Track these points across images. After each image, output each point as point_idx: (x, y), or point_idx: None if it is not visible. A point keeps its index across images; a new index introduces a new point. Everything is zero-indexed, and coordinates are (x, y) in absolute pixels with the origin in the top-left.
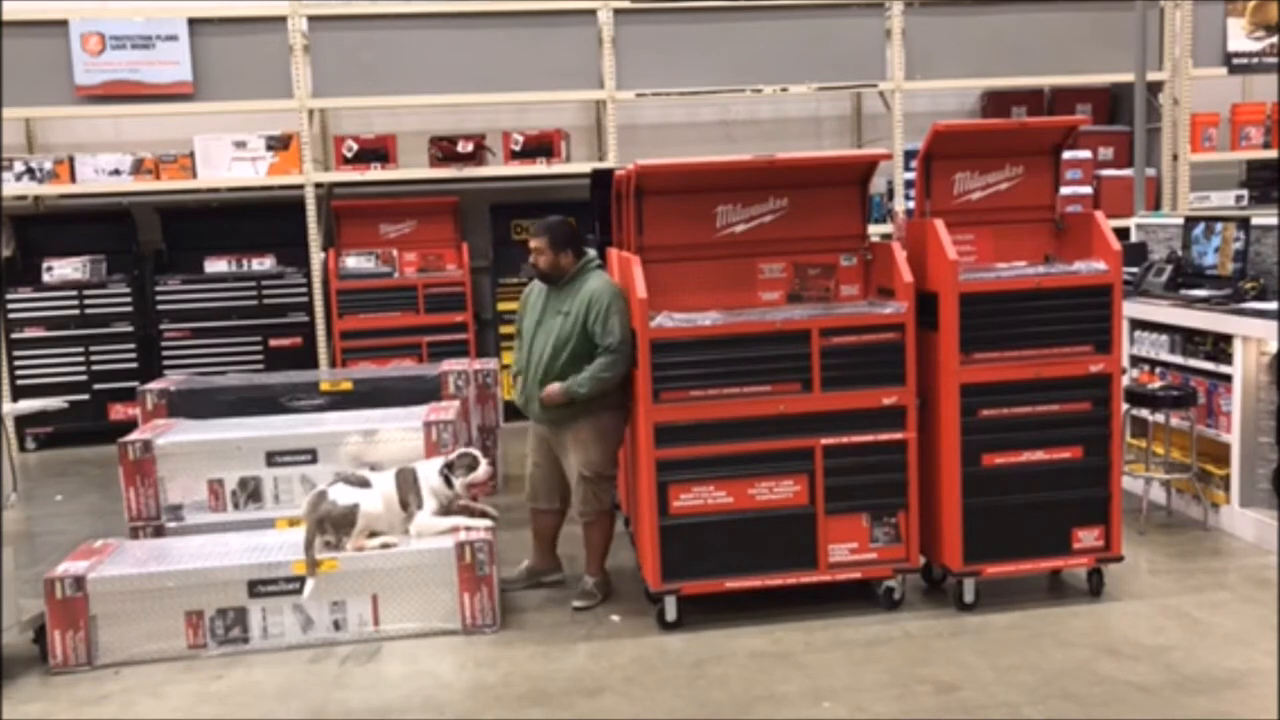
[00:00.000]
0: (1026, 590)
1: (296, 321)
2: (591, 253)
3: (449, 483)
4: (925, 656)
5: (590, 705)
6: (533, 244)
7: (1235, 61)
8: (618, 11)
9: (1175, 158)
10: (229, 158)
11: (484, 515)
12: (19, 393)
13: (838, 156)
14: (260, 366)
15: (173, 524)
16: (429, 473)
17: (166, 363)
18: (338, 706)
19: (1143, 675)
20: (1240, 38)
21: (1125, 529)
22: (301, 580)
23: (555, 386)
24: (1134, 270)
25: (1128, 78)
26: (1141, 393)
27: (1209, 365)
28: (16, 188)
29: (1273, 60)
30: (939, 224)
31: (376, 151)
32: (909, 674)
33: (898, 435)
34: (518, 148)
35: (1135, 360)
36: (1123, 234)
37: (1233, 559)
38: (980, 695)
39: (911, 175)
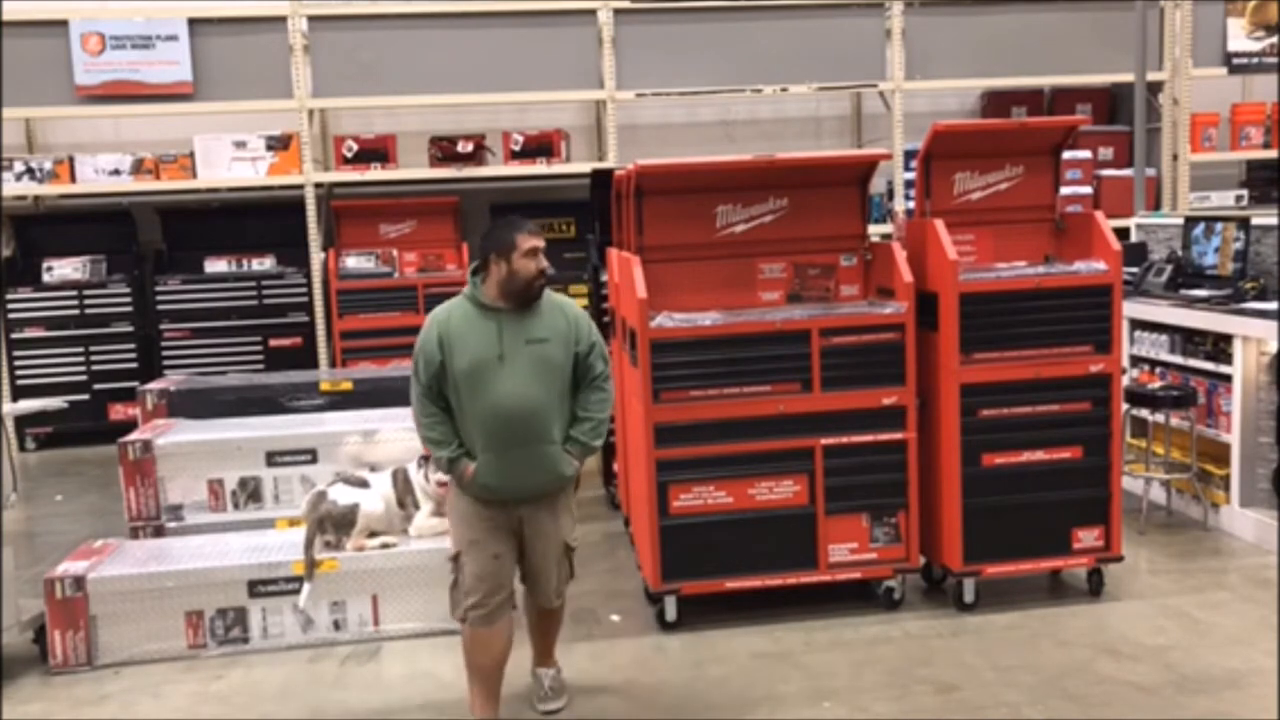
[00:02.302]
0: (1026, 590)
1: (296, 321)
2: None
3: (427, 478)
4: (925, 656)
5: (590, 705)
6: (540, 244)
7: (1235, 61)
8: (618, 11)
9: (1175, 158)
10: (229, 158)
11: None
12: (19, 393)
13: (838, 156)
14: (260, 366)
15: (173, 524)
16: (415, 472)
17: (166, 363)
18: (338, 706)
19: (1143, 675)
20: (1240, 38)
21: (1125, 529)
22: (301, 580)
23: (572, 460)
24: (1134, 270)
25: (1128, 78)
26: (1141, 393)
27: (1209, 365)
28: (16, 188)
29: (1273, 60)
30: (939, 224)
31: (376, 151)
32: (909, 674)
33: (898, 435)
34: (518, 148)
35: (1135, 360)
36: (1123, 234)
37: (1233, 559)
38: (980, 695)
39: (911, 175)
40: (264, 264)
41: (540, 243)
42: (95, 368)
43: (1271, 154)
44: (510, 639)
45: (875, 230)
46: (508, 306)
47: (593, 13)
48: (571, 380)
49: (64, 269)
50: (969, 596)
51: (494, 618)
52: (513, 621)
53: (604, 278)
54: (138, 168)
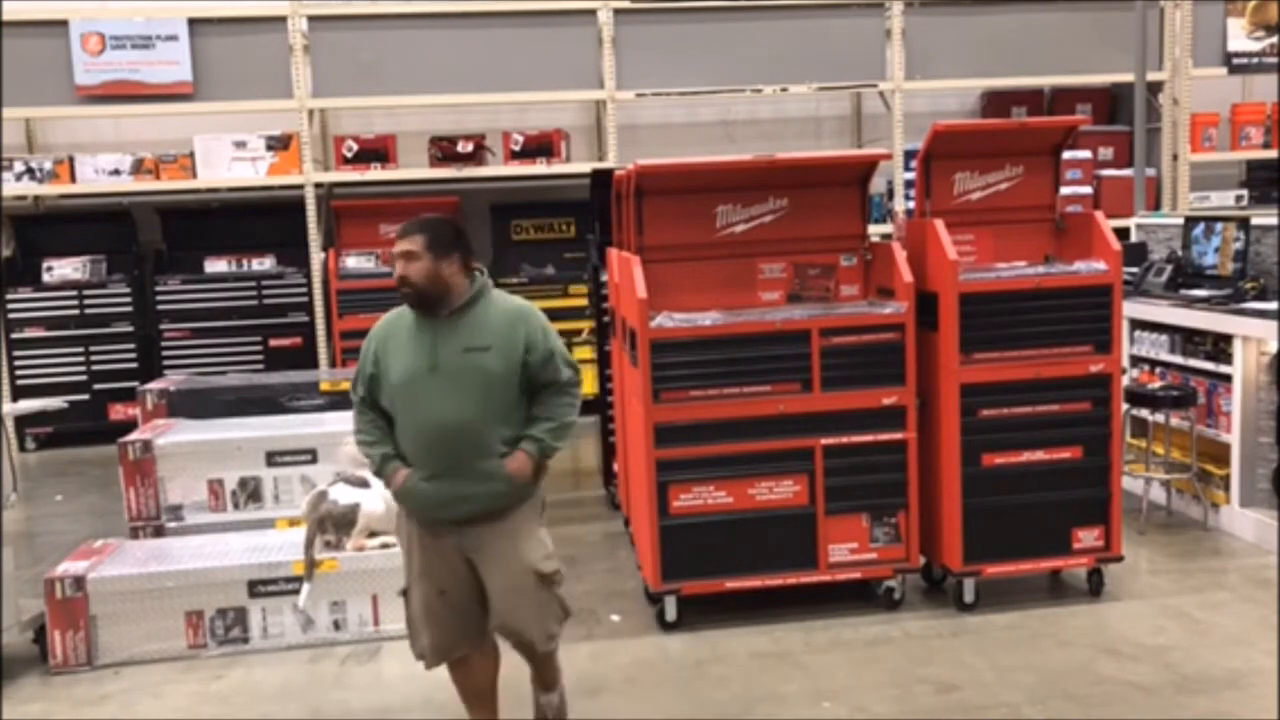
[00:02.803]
0: (1026, 590)
1: (296, 321)
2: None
3: None
4: (925, 656)
5: (590, 705)
6: (401, 247)
7: (1235, 61)
8: (618, 11)
9: (1175, 158)
10: (229, 158)
11: None
12: (19, 393)
13: (838, 156)
14: (260, 366)
15: (173, 524)
16: None
17: (166, 363)
18: (337, 706)
19: (1143, 675)
20: (1240, 38)
21: (1125, 529)
22: (301, 580)
23: (522, 456)
24: (1134, 270)
25: (1128, 78)
26: (1141, 393)
27: (1209, 365)
28: (16, 188)
29: (1273, 60)
30: (939, 224)
31: (376, 151)
32: (909, 674)
33: (898, 435)
34: (518, 148)
35: (1135, 360)
36: (1123, 234)
37: (1233, 559)
38: (980, 695)
39: (911, 175)
40: (264, 264)
41: (408, 246)
42: (95, 368)
43: (1271, 154)
44: (493, 665)
45: (875, 230)
46: (439, 313)
47: (593, 13)
48: (521, 390)
49: (64, 269)
50: (969, 596)
51: (451, 654)
52: (493, 656)
53: (604, 278)
54: (138, 168)
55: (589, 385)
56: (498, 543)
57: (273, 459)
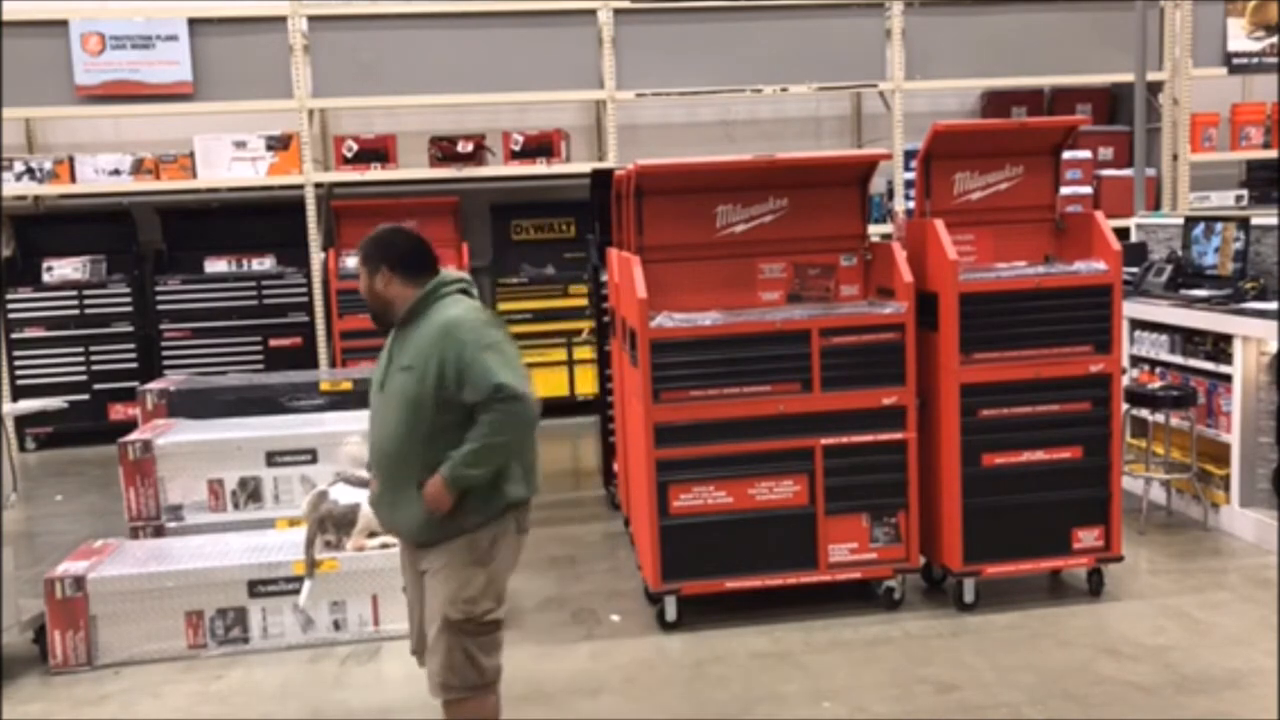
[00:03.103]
0: (1026, 590)
1: (296, 321)
2: (450, 273)
3: None
4: (925, 656)
5: (590, 705)
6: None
7: (1235, 61)
8: (618, 11)
9: (1175, 158)
10: (229, 158)
11: None
12: (19, 393)
13: (838, 156)
14: (260, 366)
15: (173, 524)
16: None
17: (166, 363)
18: (338, 706)
19: (1143, 675)
20: (1240, 38)
21: (1125, 529)
22: (301, 580)
23: (436, 482)
24: (1134, 270)
25: (1128, 78)
26: (1141, 393)
27: (1209, 365)
28: (16, 188)
29: (1273, 60)
30: (939, 224)
31: (376, 151)
32: (909, 674)
33: (898, 435)
34: (518, 148)
35: (1135, 360)
36: (1123, 234)
37: (1233, 559)
38: (980, 695)
39: (911, 175)
40: (264, 264)
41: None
42: (95, 368)
43: (1271, 154)
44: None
45: (875, 230)
46: (393, 326)
47: (593, 13)
48: (451, 413)
49: (64, 269)
50: (969, 596)
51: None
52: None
53: (604, 278)
54: (138, 168)
55: (588, 385)
56: (429, 575)
57: (273, 459)
